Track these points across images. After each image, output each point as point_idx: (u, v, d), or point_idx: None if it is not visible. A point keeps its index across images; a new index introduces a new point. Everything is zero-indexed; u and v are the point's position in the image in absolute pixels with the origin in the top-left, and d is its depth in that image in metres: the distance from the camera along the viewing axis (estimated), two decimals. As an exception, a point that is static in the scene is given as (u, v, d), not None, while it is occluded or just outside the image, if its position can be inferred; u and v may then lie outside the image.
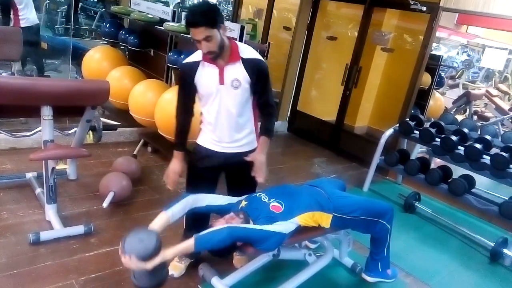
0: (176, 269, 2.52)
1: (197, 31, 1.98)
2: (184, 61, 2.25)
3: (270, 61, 6.06)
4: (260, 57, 2.24)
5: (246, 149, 2.35)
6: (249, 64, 2.17)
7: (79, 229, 2.70)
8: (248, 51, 2.20)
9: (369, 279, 2.68)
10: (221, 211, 2.24)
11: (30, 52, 5.11)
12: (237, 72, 2.16)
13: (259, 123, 2.39)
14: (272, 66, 5.88)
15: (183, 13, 4.36)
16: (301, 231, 2.26)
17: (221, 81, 2.16)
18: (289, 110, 6.08)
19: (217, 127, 2.29)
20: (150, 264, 1.81)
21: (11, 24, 5.00)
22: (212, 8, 2.04)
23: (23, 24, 4.95)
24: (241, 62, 2.17)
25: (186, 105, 2.31)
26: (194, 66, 2.19)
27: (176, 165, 2.36)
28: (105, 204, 2.95)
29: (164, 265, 1.92)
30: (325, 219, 2.28)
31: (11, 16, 4.97)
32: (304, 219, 2.21)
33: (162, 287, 1.95)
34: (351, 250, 2.87)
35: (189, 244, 1.94)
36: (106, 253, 2.60)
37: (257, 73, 2.19)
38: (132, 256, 1.79)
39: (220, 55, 2.10)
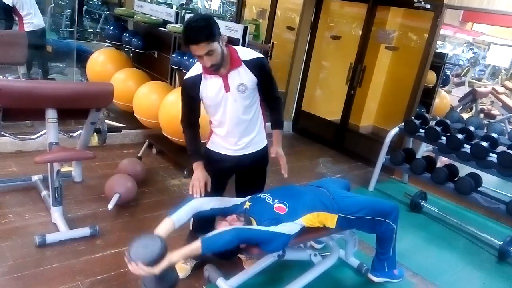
0: (181, 270, 2.52)
1: (199, 48, 1.95)
2: (186, 77, 2.22)
3: (274, 61, 6.05)
4: (259, 54, 2.24)
5: (258, 148, 2.37)
6: (252, 65, 2.17)
7: (84, 231, 2.71)
8: (247, 53, 2.20)
9: (376, 279, 2.67)
10: (226, 213, 2.25)
11: (36, 55, 5.14)
12: (242, 76, 2.16)
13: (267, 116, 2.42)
14: (276, 66, 5.91)
15: (187, 15, 4.36)
16: (307, 231, 2.25)
17: (227, 89, 2.15)
18: (294, 110, 6.07)
19: (228, 134, 2.28)
20: (157, 269, 1.80)
21: (17, 29, 5.03)
22: (209, 22, 1.97)
23: (27, 28, 4.98)
24: (244, 65, 2.16)
25: (192, 120, 2.29)
26: (197, 80, 2.16)
27: (200, 174, 2.27)
28: (110, 206, 2.95)
29: (172, 269, 1.92)
30: (330, 220, 2.28)
31: (16, 21, 5.00)
32: (308, 219, 2.21)
33: None
34: (357, 250, 2.85)
35: (195, 246, 1.92)
36: (111, 254, 2.60)
37: (261, 71, 2.19)
38: (138, 263, 1.78)
39: (221, 65, 2.08)
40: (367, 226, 2.44)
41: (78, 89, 2.88)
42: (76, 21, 6.83)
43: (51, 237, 2.58)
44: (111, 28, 5.05)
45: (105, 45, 5.45)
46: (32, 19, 5.03)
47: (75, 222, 2.84)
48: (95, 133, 3.30)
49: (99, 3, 9.13)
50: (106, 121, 3.62)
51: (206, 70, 2.12)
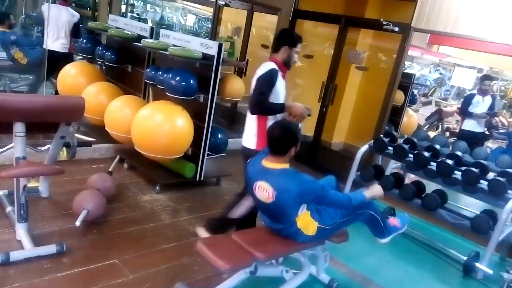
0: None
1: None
2: (272, 67, 2.72)
3: (248, 78, 6.11)
4: None
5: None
6: None
7: (50, 248, 2.63)
8: None
9: (385, 240, 2.77)
10: None
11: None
12: None
13: None
14: (250, 82, 5.97)
15: (161, 30, 4.38)
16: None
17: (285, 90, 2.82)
18: (267, 127, 6.12)
19: None
20: None
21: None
22: None
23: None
24: None
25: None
26: (278, 72, 2.72)
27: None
28: (78, 223, 2.87)
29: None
30: (311, 226, 2.41)
31: None
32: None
33: None
34: (328, 266, 2.88)
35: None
36: (79, 273, 2.53)
37: None
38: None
39: None
40: (347, 224, 2.58)
41: (48, 103, 2.83)
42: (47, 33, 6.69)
43: (15, 255, 2.49)
44: (84, 41, 5.00)
45: (77, 58, 5.38)
46: (47, 39, 4.96)
47: (41, 239, 2.74)
48: (64, 148, 3.23)
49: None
50: (76, 135, 3.55)
51: (282, 68, 2.77)
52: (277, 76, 2.70)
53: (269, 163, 2.33)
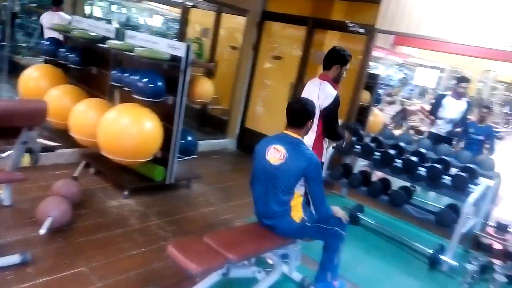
0: None
1: None
2: (336, 93, 2.97)
3: (217, 79, 6.10)
4: None
5: None
6: None
7: (14, 258, 2.52)
8: None
9: None
10: None
11: None
12: None
13: None
14: (219, 84, 5.96)
15: (127, 32, 4.30)
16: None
17: None
18: (238, 128, 6.13)
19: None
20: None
21: None
22: None
23: None
24: None
25: None
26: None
27: None
28: (42, 231, 2.78)
29: None
30: (298, 212, 2.53)
31: None
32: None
33: None
34: (300, 264, 2.92)
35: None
36: (44, 283, 2.44)
37: None
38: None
39: None
40: (320, 234, 2.61)
41: (8, 107, 2.72)
42: (8, 35, 6.44)
43: (-26, 267, 2.38)
44: (46, 43, 4.83)
45: (39, 60, 5.20)
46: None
47: (3, 249, 2.63)
48: (26, 153, 3.11)
49: (34, 19, 8.69)
50: (38, 140, 3.43)
51: (333, 85, 3.01)
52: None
53: (288, 132, 2.55)
